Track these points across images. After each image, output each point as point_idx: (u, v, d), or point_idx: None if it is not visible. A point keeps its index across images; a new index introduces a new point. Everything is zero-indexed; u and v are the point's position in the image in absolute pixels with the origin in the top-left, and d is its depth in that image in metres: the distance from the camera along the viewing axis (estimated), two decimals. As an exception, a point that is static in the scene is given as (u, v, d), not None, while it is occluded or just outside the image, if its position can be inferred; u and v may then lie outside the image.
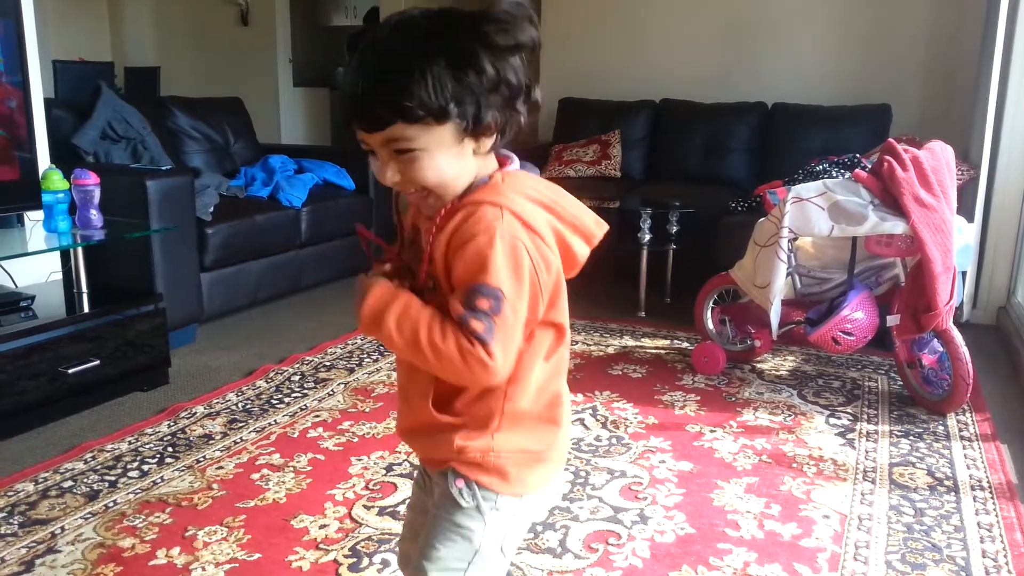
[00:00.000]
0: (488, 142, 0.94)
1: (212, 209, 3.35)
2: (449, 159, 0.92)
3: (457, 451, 1.00)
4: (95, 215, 2.64)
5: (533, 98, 0.95)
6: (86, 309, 2.61)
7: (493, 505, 1.02)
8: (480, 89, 0.89)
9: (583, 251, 1.01)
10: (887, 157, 2.46)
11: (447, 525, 1.03)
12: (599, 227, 1.03)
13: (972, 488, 2.10)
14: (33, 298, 2.59)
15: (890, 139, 2.59)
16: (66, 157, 3.27)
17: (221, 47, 6.76)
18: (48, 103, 3.18)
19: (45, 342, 2.37)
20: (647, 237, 3.56)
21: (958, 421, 2.52)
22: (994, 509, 1.99)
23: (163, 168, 3.15)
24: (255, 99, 5.19)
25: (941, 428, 2.47)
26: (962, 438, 2.40)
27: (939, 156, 2.48)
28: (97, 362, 2.49)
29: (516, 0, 0.91)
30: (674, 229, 3.68)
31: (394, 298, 0.95)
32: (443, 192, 0.95)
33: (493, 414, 1.00)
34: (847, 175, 2.64)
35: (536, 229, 0.93)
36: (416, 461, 1.36)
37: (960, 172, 3.25)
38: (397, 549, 1.28)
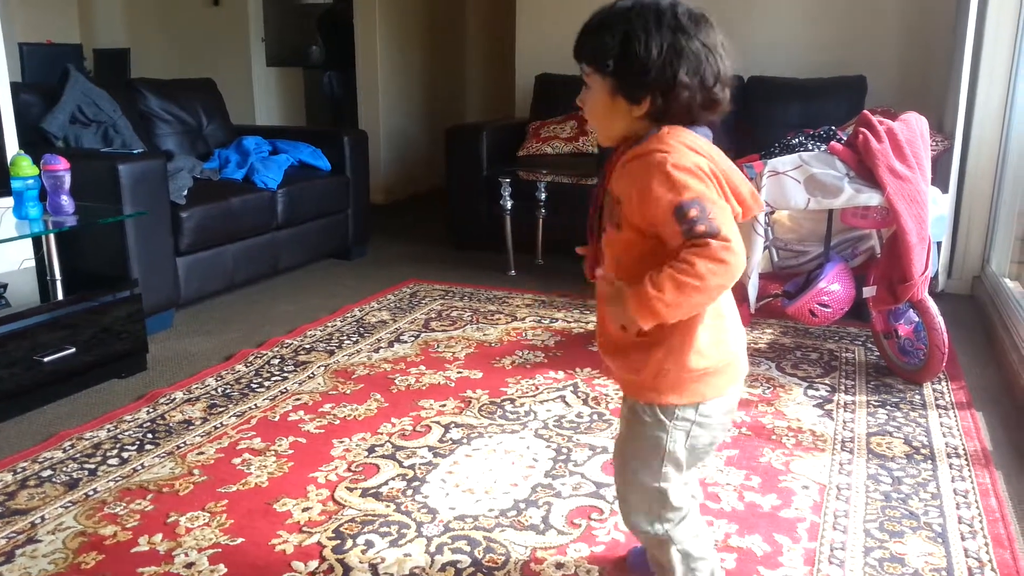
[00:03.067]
0: (639, 109, 1.15)
1: (186, 192, 3.31)
2: (601, 106, 1.19)
3: (635, 370, 1.25)
4: (66, 201, 2.60)
5: (714, 95, 1.15)
6: (60, 296, 2.58)
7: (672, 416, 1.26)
8: (636, 62, 1.12)
9: (736, 209, 1.17)
10: (862, 129, 2.47)
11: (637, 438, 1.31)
12: (754, 200, 1.20)
13: (948, 456, 2.13)
14: (6, 286, 2.56)
15: (865, 111, 2.60)
16: (35, 142, 3.22)
17: (192, 27, 6.65)
18: (15, 87, 3.12)
19: (19, 330, 2.34)
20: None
21: (934, 390, 2.55)
22: (970, 476, 2.02)
23: (135, 152, 3.10)
24: (228, 80, 5.12)
25: (917, 397, 2.50)
26: (938, 407, 2.43)
27: (914, 127, 2.49)
28: (73, 350, 2.47)
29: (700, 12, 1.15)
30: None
31: (636, 285, 1.13)
32: (598, 129, 1.23)
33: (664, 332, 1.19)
34: (823, 148, 2.64)
35: (698, 163, 1.12)
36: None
37: (935, 143, 3.26)
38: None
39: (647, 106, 1.14)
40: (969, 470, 2.05)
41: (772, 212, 2.62)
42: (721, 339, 1.24)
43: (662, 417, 1.26)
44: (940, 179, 3.18)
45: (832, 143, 2.58)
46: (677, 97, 1.12)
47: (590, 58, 1.18)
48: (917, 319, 2.59)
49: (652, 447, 1.29)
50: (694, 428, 1.27)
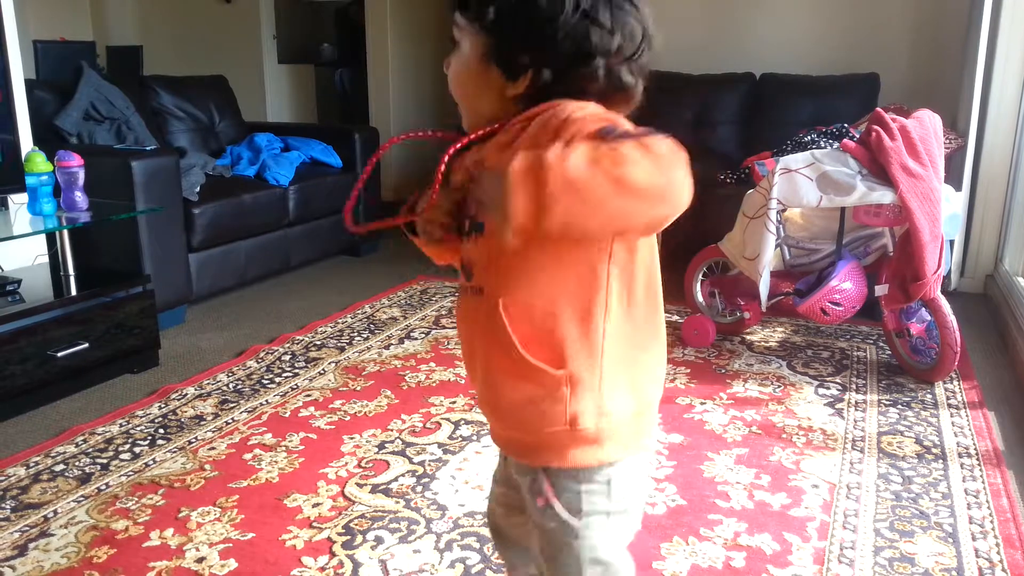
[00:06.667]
0: (514, 87, 0.82)
1: (198, 189, 3.33)
2: (469, 75, 0.85)
3: (570, 421, 0.86)
4: (80, 197, 2.61)
5: (626, 82, 0.81)
6: (74, 292, 2.60)
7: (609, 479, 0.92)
8: (534, 17, 0.79)
9: None
10: (875, 127, 2.46)
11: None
12: None
13: (959, 455, 2.12)
14: (20, 282, 2.57)
15: (878, 108, 2.59)
16: (49, 139, 3.24)
17: (204, 24, 6.67)
18: (29, 84, 3.14)
19: (33, 326, 2.36)
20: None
21: (946, 389, 2.54)
22: (981, 476, 2.01)
23: (148, 148, 3.12)
24: (239, 77, 5.13)
25: (929, 396, 2.49)
26: (950, 406, 2.42)
27: (927, 125, 2.48)
28: (86, 345, 2.49)
29: None
30: (663, 202, 3.67)
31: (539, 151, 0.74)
32: (462, 108, 0.87)
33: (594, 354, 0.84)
34: (835, 145, 2.63)
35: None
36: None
37: (948, 141, 3.25)
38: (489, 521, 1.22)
39: (526, 84, 0.81)
40: (980, 470, 2.04)
41: (784, 210, 2.61)
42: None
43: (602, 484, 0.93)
44: (953, 177, 3.16)
45: (845, 140, 2.56)
46: (581, 75, 0.79)
47: (467, 3, 0.84)
48: (929, 318, 2.58)
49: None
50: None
